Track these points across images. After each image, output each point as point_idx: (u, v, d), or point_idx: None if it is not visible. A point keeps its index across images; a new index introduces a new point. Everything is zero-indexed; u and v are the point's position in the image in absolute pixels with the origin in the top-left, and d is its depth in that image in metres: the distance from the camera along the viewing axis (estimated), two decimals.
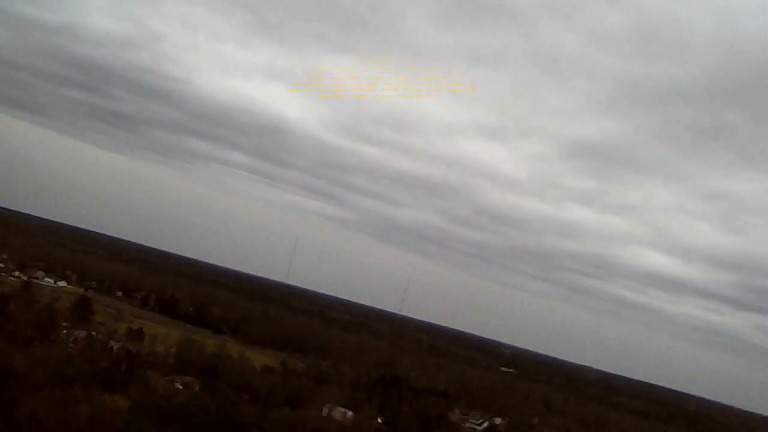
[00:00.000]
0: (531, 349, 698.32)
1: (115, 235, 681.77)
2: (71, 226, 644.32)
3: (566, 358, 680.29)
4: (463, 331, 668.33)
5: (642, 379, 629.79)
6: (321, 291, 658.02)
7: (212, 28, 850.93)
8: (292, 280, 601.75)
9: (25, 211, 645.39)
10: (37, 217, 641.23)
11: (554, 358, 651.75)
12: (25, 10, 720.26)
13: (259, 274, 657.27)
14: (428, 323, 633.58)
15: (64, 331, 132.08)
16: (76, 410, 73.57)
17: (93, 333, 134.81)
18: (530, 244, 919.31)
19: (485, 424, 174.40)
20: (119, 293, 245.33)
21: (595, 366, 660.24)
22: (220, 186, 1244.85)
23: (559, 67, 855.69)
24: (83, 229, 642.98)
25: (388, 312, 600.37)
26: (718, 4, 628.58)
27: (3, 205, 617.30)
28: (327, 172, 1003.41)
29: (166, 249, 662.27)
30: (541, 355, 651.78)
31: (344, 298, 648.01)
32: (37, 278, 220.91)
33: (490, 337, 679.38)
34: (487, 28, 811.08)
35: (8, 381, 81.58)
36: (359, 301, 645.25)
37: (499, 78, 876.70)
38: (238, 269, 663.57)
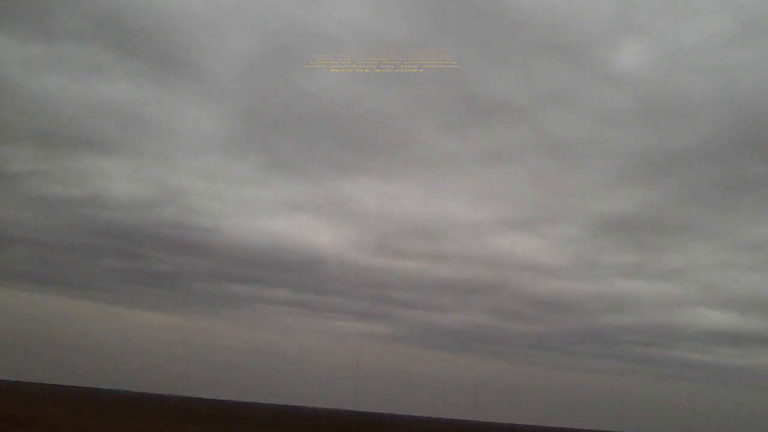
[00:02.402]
0: (613, 429, 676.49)
1: (175, 394, 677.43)
2: (127, 391, 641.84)
3: (649, 430, 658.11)
4: (541, 426, 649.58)
5: None
6: (390, 411, 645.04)
7: (231, 174, 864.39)
8: (361, 406, 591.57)
9: (79, 385, 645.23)
10: (93, 388, 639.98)
11: None
12: (52, 189, 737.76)
13: (326, 406, 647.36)
14: (506, 424, 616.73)
15: None
16: None
17: None
18: (585, 325, 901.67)
19: None
20: None
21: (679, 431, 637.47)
22: (267, 325, 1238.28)
23: (573, 150, 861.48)
24: (142, 393, 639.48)
25: (463, 420, 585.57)
26: (715, 65, 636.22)
27: (59, 383, 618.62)
28: (370, 292, 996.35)
29: (230, 398, 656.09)
30: None
31: (415, 414, 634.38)
32: None
33: (571, 426, 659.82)
34: (495, 127, 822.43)
35: None
36: (432, 415, 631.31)
37: (515, 172, 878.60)
38: (305, 405, 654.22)
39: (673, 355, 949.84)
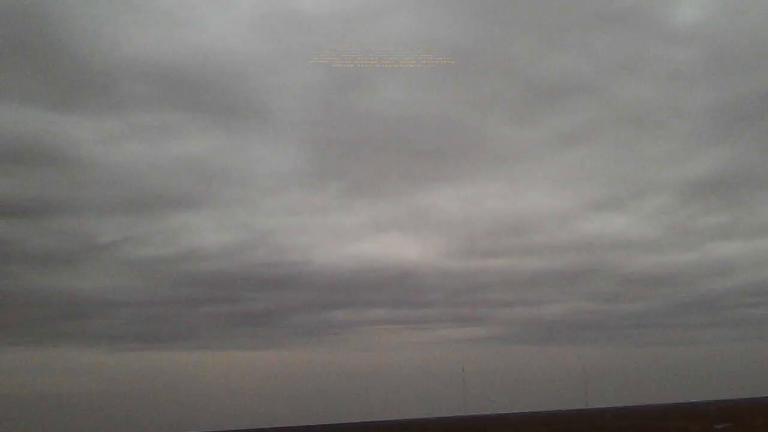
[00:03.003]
0: (732, 397, 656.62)
1: (288, 425, 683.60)
2: (242, 429, 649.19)
3: None
4: (657, 404, 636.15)
5: None
6: (502, 412, 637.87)
7: (312, 206, 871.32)
8: (472, 410, 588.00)
9: (201, 430, 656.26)
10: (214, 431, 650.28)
11: (759, 398, 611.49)
12: (145, 252, 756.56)
13: (438, 415, 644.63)
14: (620, 407, 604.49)
15: None
16: None
17: None
18: (686, 295, 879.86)
19: None
20: None
21: None
22: (368, 346, 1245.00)
23: (648, 118, 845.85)
24: (257, 428, 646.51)
25: (575, 410, 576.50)
26: None
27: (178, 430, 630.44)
28: (465, 297, 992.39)
29: (342, 421, 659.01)
30: (744, 399, 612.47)
31: (527, 410, 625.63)
32: None
33: (687, 401, 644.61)
34: (566, 109, 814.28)
35: None
36: (543, 409, 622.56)
37: (594, 151, 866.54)
38: (417, 417, 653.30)
39: None
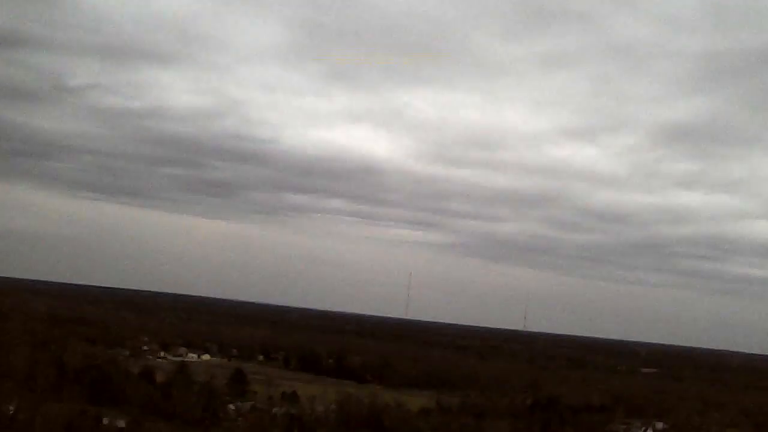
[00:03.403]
0: (664, 342, 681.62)
1: (234, 299, 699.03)
2: (192, 296, 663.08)
3: (702, 346, 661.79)
4: (592, 337, 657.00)
5: None
6: (442, 321, 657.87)
7: (289, 84, 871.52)
8: (412, 315, 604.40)
9: (144, 289, 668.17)
10: (157, 292, 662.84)
11: (690, 348, 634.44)
12: (113, 102, 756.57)
13: (379, 314, 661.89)
14: (556, 335, 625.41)
15: (231, 406, 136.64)
16: None
17: (256, 405, 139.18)
18: (642, 237, 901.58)
19: (650, 431, 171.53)
20: (260, 357, 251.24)
21: (735, 349, 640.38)
22: (324, 234, 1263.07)
23: (637, 55, 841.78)
24: (204, 297, 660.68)
25: (513, 330, 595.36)
26: None
27: (122, 287, 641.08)
28: (425, 202, 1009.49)
29: (286, 304, 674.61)
30: (676, 347, 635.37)
31: (467, 323, 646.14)
32: (180, 355, 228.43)
33: (620, 338, 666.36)
34: (556, 32, 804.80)
35: None
36: (482, 325, 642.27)
37: (576, 78, 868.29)
38: (358, 312, 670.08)
39: (729, 270, 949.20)
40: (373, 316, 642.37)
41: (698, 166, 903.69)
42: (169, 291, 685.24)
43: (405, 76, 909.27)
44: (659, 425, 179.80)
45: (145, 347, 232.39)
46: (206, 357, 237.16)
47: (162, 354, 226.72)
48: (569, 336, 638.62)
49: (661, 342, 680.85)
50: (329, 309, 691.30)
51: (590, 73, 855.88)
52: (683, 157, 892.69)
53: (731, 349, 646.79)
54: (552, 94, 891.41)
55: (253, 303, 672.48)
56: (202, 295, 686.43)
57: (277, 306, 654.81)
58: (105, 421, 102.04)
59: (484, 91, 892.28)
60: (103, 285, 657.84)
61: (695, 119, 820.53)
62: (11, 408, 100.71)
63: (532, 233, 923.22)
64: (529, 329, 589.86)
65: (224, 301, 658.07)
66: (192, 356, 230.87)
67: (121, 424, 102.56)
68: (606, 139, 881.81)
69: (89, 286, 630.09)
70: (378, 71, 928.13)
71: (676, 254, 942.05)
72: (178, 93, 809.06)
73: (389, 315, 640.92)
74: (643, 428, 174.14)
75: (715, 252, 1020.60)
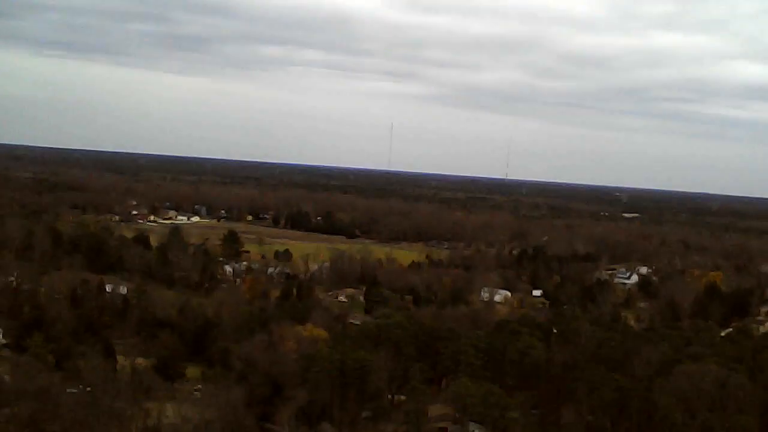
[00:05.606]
0: (645, 187, 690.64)
1: (216, 157, 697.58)
2: (171, 156, 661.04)
3: (682, 190, 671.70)
4: (574, 184, 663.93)
5: (764, 196, 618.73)
6: (425, 171, 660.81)
7: None
8: (396, 166, 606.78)
9: (125, 151, 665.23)
10: (137, 154, 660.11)
11: (671, 192, 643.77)
12: None
13: (362, 167, 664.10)
14: (538, 182, 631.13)
15: (227, 268, 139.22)
16: (284, 348, 78.57)
17: (251, 266, 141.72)
18: (621, 81, 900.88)
19: (634, 277, 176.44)
20: (249, 217, 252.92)
21: (714, 192, 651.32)
22: (301, 87, 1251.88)
23: None
24: (184, 158, 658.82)
25: (495, 179, 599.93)
26: None
27: (92, 148, 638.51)
28: (402, 51, 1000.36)
29: (268, 161, 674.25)
30: (657, 191, 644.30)
31: (449, 173, 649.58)
32: (170, 218, 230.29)
33: (601, 184, 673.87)
34: None
35: (211, 331, 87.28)
36: (464, 174, 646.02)
37: None
38: (341, 166, 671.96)
39: (708, 112, 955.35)
40: (357, 168, 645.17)
41: (677, 5, 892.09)
42: (150, 153, 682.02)
43: None
44: (642, 270, 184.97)
45: (135, 212, 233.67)
46: (196, 219, 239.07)
47: (152, 218, 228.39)
48: (551, 183, 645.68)
49: (642, 187, 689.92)
50: (312, 164, 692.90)
51: None
52: None
53: (711, 192, 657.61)
54: None
55: (235, 161, 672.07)
56: (183, 155, 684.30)
57: (260, 163, 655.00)
58: (108, 288, 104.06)
59: None
60: (82, 148, 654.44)
61: None
62: (12, 279, 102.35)
63: (512, 81, 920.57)
64: (512, 177, 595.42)
65: (206, 159, 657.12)
66: (182, 219, 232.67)
67: (123, 290, 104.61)
68: None
69: (69, 149, 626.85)
70: None
71: (656, 98, 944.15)
72: None
73: (373, 167, 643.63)
74: (627, 274, 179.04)
75: (696, 94, 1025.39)
